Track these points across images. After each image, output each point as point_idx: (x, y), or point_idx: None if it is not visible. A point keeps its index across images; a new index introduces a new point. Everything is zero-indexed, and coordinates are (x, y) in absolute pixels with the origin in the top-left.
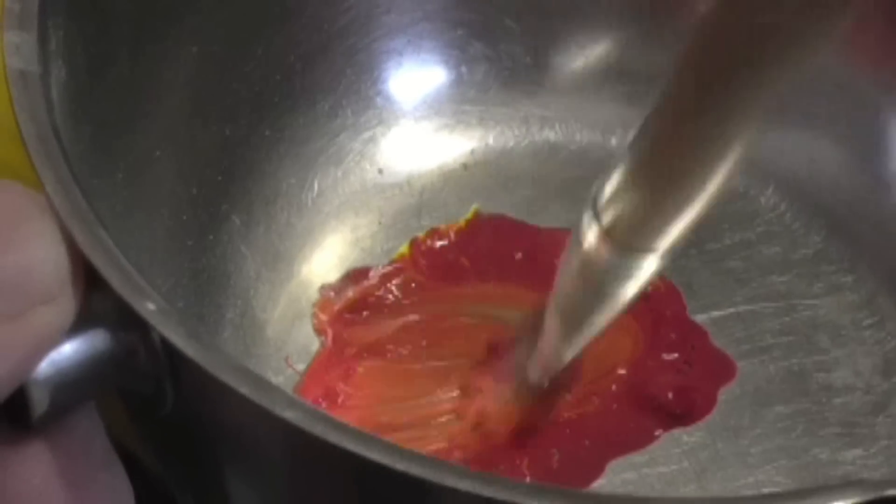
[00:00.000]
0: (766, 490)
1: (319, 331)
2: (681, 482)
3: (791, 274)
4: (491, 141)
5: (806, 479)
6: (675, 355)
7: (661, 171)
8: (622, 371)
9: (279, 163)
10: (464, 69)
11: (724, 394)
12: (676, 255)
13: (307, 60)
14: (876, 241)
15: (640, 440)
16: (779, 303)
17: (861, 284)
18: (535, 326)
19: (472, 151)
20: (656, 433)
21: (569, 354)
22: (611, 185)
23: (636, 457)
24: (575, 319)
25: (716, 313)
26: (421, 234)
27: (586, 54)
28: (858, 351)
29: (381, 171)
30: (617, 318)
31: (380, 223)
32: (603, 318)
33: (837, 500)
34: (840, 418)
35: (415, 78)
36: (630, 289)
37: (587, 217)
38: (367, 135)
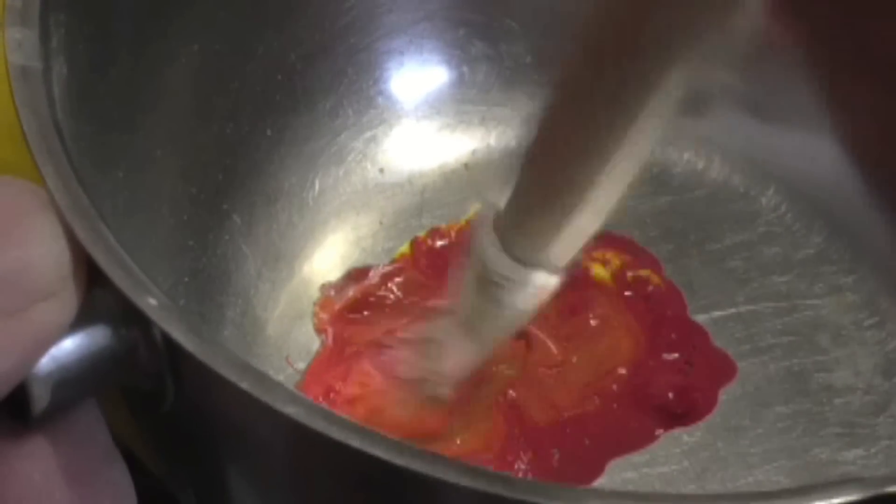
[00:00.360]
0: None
1: (320, 330)
2: (681, 482)
3: (792, 274)
4: (492, 141)
5: (806, 479)
6: (676, 355)
7: (545, 182)
8: (623, 371)
9: (280, 162)
10: (465, 69)
11: (725, 394)
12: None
13: (309, 60)
14: (877, 242)
15: (640, 440)
16: (779, 303)
17: (862, 285)
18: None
19: (474, 151)
20: (657, 433)
21: (468, 365)
22: (506, 200)
23: (637, 456)
24: (476, 329)
25: (717, 313)
26: (422, 234)
27: None
28: (859, 351)
29: (382, 171)
30: (515, 329)
31: (381, 223)
32: (503, 329)
33: (838, 496)
34: (841, 418)
35: (416, 78)
36: (529, 302)
37: (486, 232)
38: (368, 134)
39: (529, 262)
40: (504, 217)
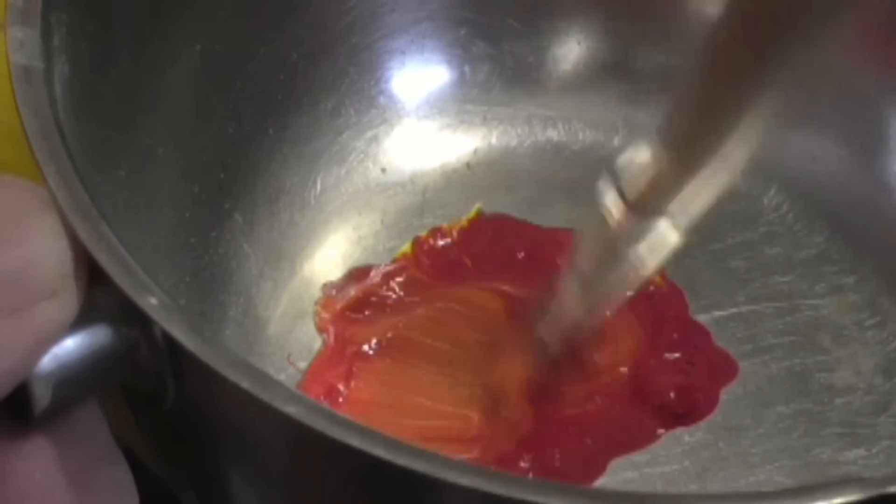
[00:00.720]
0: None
1: (321, 329)
2: (682, 482)
3: (793, 274)
4: (494, 140)
5: (807, 479)
6: (678, 355)
7: (684, 139)
8: (624, 370)
9: (282, 161)
10: (467, 69)
11: (726, 393)
12: (693, 233)
13: (310, 59)
14: (878, 242)
15: (642, 439)
16: (781, 303)
17: (863, 285)
18: (549, 300)
19: (475, 151)
20: (658, 432)
21: (586, 317)
22: (635, 157)
23: (638, 456)
24: (594, 285)
25: (718, 313)
26: (423, 233)
27: (589, 54)
28: (860, 351)
29: (384, 170)
30: (634, 285)
31: (382, 222)
32: (620, 286)
33: (839, 497)
34: (842, 418)
35: (418, 77)
36: (650, 257)
37: (609, 191)
38: (370, 134)
39: (653, 211)
40: (633, 177)
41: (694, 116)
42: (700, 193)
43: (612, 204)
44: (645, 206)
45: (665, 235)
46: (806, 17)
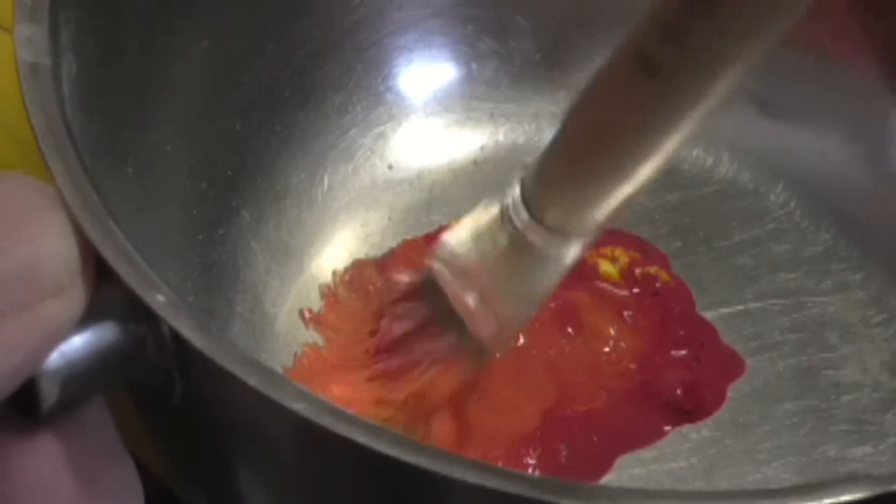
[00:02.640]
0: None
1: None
2: (689, 478)
3: (800, 271)
4: (501, 137)
5: (814, 475)
6: (684, 352)
7: (593, 152)
8: (631, 367)
9: (289, 158)
10: (474, 66)
11: (733, 390)
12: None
13: (318, 56)
14: (885, 239)
15: (648, 436)
16: (788, 300)
17: (870, 282)
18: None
19: (482, 148)
20: (665, 429)
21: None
22: (538, 167)
23: (644, 452)
24: (506, 296)
25: (725, 310)
26: (431, 230)
27: (596, 50)
28: (867, 348)
29: (391, 167)
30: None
31: (390, 219)
32: (531, 300)
33: (845, 494)
34: (848, 415)
35: (425, 74)
36: (557, 271)
37: (516, 201)
38: (377, 131)
39: (561, 230)
40: (533, 186)
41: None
42: (614, 205)
43: (522, 222)
44: (554, 225)
45: (574, 250)
46: None
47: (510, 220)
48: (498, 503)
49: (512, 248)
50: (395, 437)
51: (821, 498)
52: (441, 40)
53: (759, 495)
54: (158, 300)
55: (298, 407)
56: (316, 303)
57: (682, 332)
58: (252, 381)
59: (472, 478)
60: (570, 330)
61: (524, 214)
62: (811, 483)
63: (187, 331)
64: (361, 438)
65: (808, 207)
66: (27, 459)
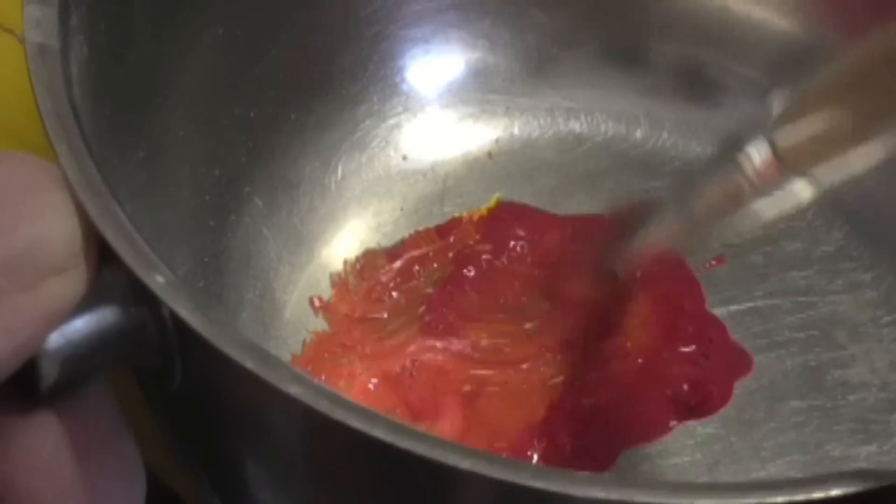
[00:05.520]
0: None
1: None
2: (693, 474)
3: (811, 270)
4: (516, 130)
5: (818, 474)
6: (693, 347)
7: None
8: (639, 361)
9: (303, 147)
10: (490, 58)
11: (740, 387)
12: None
13: (333, 46)
14: None
15: (654, 431)
16: (798, 298)
17: (880, 282)
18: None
19: (497, 140)
20: (671, 424)
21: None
22: (794, 109)
23: (650, 447)
24: (702, 223)
25: (734, 307)
26: (444, 222)
27: (613, 46)
28: (876, 348)
29: (405, 158)
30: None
31: (402, 209)
32: (733, 230)
33: (841, 488)
34: (854, 414)
35: (441, 66)
36: (773, 212)
37: (755, 139)
38: (392, 121)
39: (799, 171)
40: (788, 130)
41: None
42: (854, 163)
43: (758, 153)
44: (793, 165)
45: (798, 193)
46: None
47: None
48: (492, 492)
49: (730, 182)
50: (391, 423)
51: (813, 491)
52: (457, 33)
53: (759, 487)
54: (158, 281)
55: (294, 390)
56: (326, 291)
57: (690, 329)
58: (249, 364)
59: (467, 465)
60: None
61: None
62: (807, 477)
63: (185, 312)
64: (356, 423)
65: (821, 207)
66: (27, 439)
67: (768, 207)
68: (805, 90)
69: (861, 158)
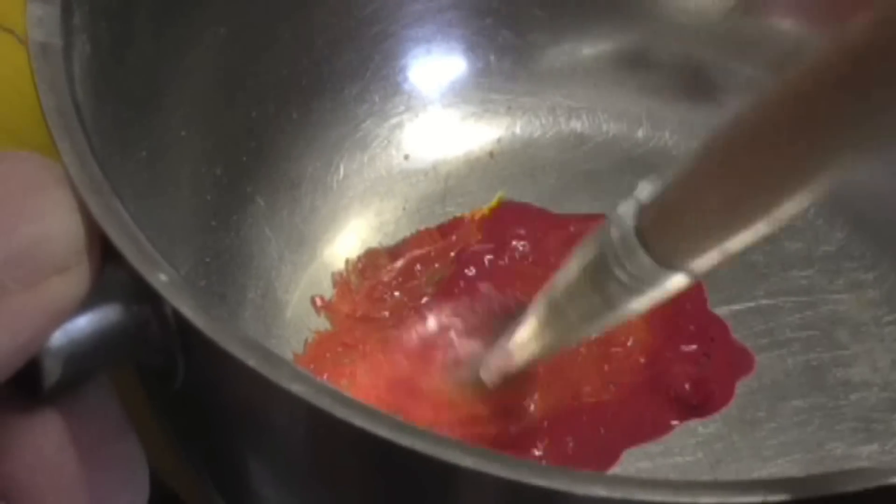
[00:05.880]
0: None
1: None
2: (695, 473)
3: (813, 269)
4: (517, 130)
5: (819, 473)
6: (694, 347)
7: (725, 188)
8: (641, 360)
9: (305, 146)
10: (492, 58)
11: (742, 386)
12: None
13: (335, 45)
14: None
15: (656, 430)
16: (799, 298)
17: (882, 281)
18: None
19: (499, 140)
20: (672, 423)
21: (535, 355)
22: (660, 193)
23: (651, 446)
24: (564, 321)
25: (736, 306)
26: (445, 221)
27: (615, 45)
28: (878, 347)
29: (407, 157)
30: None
31: (404, 208)
32: (594, 327)
33: (844, 487)
34: (856, 414)
35: (443, 65)
36: (642, 304)
37: (621, 222)
38: (393, 121)
39: (672, 266)
40: (652, 215)
41: (741, 166)
42: (734, 250)
43: (627, 252)
44: (664, 257)
45: (676, 285)
46: None
47: (615, 265)
48: (494, 490)
49: (597, 278)
50: (393, 421)
51: (816, 490)
52: (459, 32)
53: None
54: (161, 279)
55: (296, 388)
56: (328, 291)
57: (692, 328)
58: (251, 362)
59: (469, 463)
60: None
61: (632, 245)
62: (809, 476)
63: (188, 310)
64: (358, 421)
65: (822, 206)
66: (30, 437)
67: (639, 301)
68: (670, 179)
69: (725, 245)
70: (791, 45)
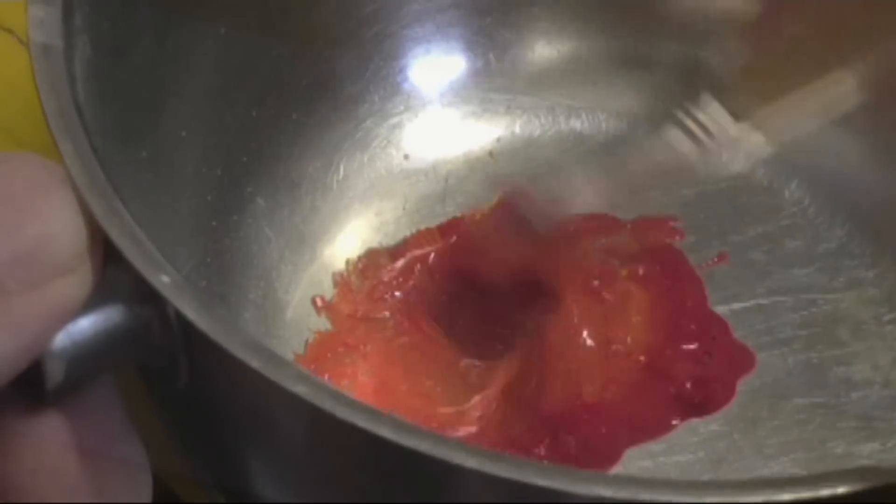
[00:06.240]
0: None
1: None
2: (697, 472)
3: (813, 267)
4: (517, 129)
5: (821, 471)
6: (695, 345)
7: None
8: (642, 359)
9: (305, 146)
10: (492, 57)
11: (743, 385)
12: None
13: (335, 45)
14: None
15: (657, 429)
16: (800, 296)
17: (883, 279)
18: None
19: (499, 139)
20: (674, 422)
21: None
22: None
23: (653, 445)
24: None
25: (737, 305)
26: (444, 221)
27: (615, 45)
28: (878, 346)
29: (406, 157)
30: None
31: (404, 208)
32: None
33: (846, 486)
34: (858, 412)
35: (442, 65)
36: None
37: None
38: (393, 120)
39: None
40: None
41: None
42: (803, 115)
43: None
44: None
45: (755, 144)
46: None
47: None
48: (497, 490)
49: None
50: (396, 422)
51: (819, 489)
52: (458, 31)
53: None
54: (163, 281)
55: (300, 389)
56: (328, 291)
57: (693, 326)
58: (254, 363)
59: (472, 463)
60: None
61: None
62: (811, 475)
63: (191, 312)
64: (361, 422)
65: (823, 204)
66: (32, 439)
67: (722, 165)
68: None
69: (810, 108)
70: (791, 44)
